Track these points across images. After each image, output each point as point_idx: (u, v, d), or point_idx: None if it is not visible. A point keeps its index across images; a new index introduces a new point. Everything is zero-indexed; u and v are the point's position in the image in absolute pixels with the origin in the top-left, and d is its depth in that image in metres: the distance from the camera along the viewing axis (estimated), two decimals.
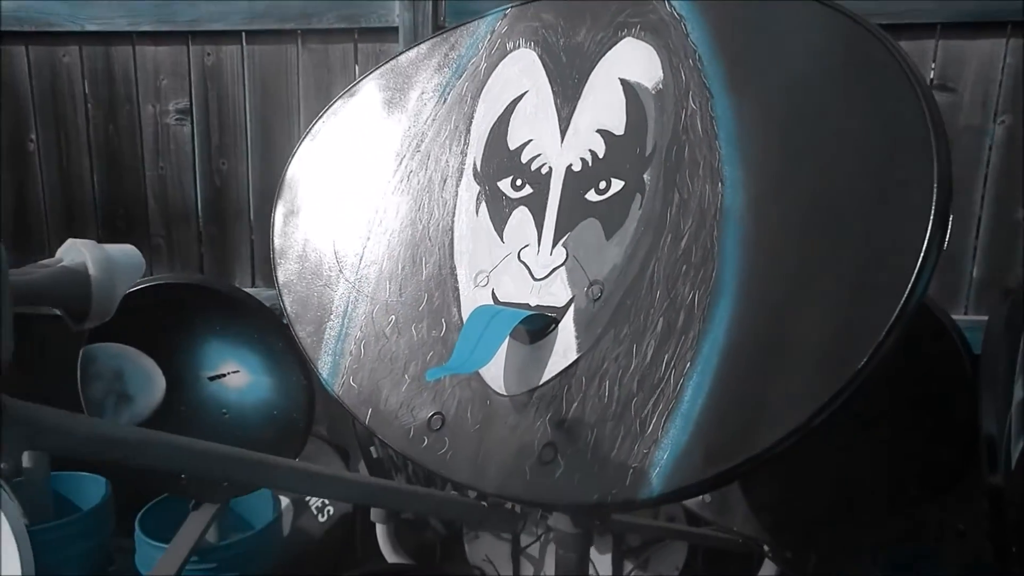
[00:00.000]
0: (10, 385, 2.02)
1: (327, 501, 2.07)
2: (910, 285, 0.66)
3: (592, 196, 0.93)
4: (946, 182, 0.67)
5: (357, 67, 1.90)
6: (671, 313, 0.82)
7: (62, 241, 2.15)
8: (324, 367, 1.05)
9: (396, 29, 1.83)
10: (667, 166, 0.87)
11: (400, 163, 1.09)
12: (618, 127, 0.93)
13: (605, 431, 0.82)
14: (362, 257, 1.07)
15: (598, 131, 0.94)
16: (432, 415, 0.96)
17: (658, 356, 0.81)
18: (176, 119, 2.01)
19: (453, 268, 1.01)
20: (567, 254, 0.93)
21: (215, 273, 2.05)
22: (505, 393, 0.92)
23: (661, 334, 0.82)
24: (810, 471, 1.41)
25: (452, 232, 1.03)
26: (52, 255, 2.11)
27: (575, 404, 0.86)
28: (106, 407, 1.65)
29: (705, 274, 0.80)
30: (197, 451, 0.95)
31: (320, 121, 1.16)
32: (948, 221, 0.67)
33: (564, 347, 0.90)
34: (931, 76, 1.61)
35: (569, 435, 0.85)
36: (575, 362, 0.88)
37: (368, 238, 1.08)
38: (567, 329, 0.90)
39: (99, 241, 2.08)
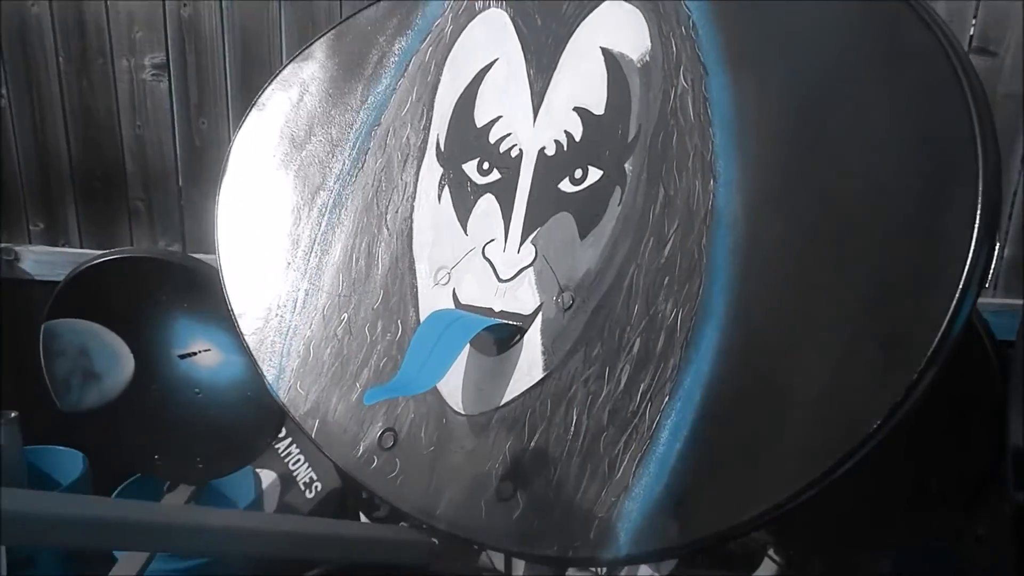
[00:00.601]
0: None
1: (315, 476, 1.99)
2: (945, 323, 0.52)
3: (566, 186, 0.79)
4: (992, 199, 0.53)
5: None
6: (650, 333, 0.68)
7: (39, 205, 2.03)
8: (270, 369, 0.93)
9: None
10: (652, 155, 0.73)
11: (357, 139, 0.95)
12: (597, 106, 0.78)
13: (570, 468, 0.70)
14: (313, 245, 0.94)
15: (575, 109, 0.80)
16: (383, 431, 0.84)
17: (633, 384, 0.68)
18: (152, 75, 1.87)
19: (412, 262, 0.88)
20: (536, 253, 0.79)
21: (196, 239, 1.93)
22: (463, 412, 0.80)
23: (637, 358, 0.69)
24: None
25: (412, 221, 0.89)
26: (29, 220, 1.99)
27: (539, 432, 0.73)
28: (72, 385, 1.55)
29: (690, 290, 0.66)
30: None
31: (269, 89, 1.02)
32: (994, 247, 0.53)
33: (529, 363, 0.77)
34: (970, 36, 1.42)
35: (531, 469, 0.73)
36: (541, 381, 0.75)
37: (320, 225, 0.95)
38: (533, 342, 0.77)
39: (76, 205, 1.96)
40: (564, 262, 0.77)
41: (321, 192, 0.96)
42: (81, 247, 2.00)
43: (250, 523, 0.64)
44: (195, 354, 1.55)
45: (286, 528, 0.68)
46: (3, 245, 1.99)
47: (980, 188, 0.53)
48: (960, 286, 0.51)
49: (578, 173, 0.78)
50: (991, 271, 0.52)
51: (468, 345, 0.81)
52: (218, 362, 1.55)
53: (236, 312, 0.96)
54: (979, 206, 0.52)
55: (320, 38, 1.00)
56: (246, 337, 0.95)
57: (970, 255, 0.51)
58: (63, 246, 2.00)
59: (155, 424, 1.55)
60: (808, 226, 0.61)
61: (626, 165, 0.74)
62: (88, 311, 1.51)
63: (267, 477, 1.88)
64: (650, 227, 0.71)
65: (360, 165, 0.94)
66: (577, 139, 0.79)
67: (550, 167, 0.80)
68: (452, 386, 0.81)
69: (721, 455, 0.61)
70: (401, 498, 0.80)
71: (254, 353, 0.94)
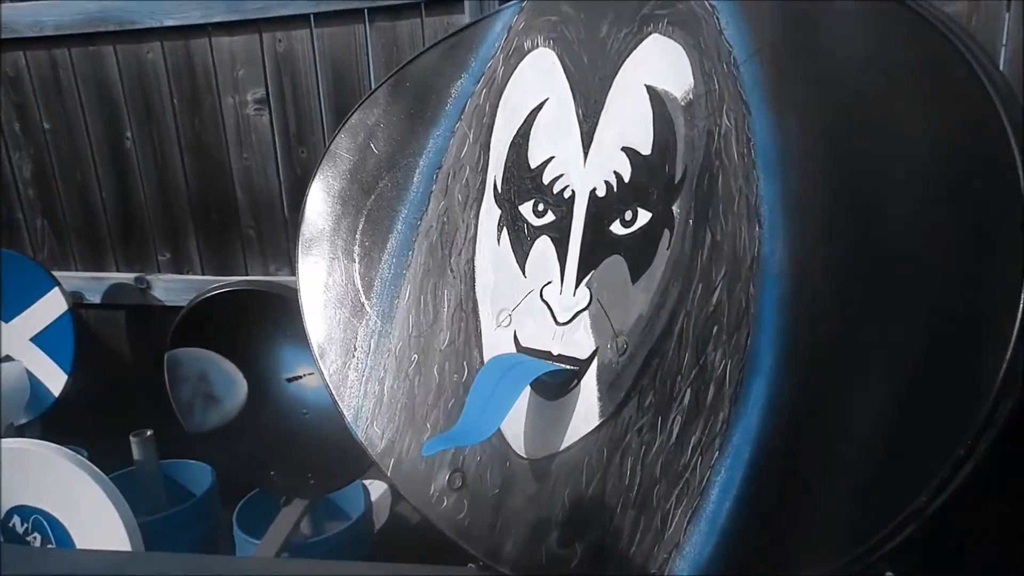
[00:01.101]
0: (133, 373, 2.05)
1: None
2: (994, 393, 0.48)
3: (617, 228, 0.77)
4: None
5: (424, 43, 1.77)
6: (700, 384, 0.67)
7: (164, 236, 2.17)
8: (348, 409, 0.97)
9: (462, 1, 1.69)
10: (699, 197, 0.70)
11: (420, 183, 0.96)
12: (644, 145, 0.76)
13: (625, 521, 0.69)
14: (385, 288, 0.97)
15: (623, 149, 0.78)
16: (452, 472, 0.85)
17: (684, 437, 0.67)
18: (255, 109, 1.97)
19: (475, 304, 0.89)
20: (591, 297, 0.79)
21: None
22: (525, 456, 0.80)
23: (688, 409, 0.67)
24: None
25: (474, 263, 0.90)
26: (157, 250, 2.14)
27: (596, 480, 0.73)
28: (195, 408, 1.67)
29: (738, 341, 0.64)
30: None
31: (339, 136, 1.05)
32: None
33: (586, 408, 0.76)
34: None
35: (588, 518, 0.72)
36: (597, 428, 0.75)
37: (390, 268, 0.97)
38: (590, 387, 0.77)
39: (196, 235, 2.10)
40: (618, 306, 0.76)
41: (390, 236, 0.98)
42: (203, 274, 2.13)
43: (312, 571, 0.67)
44: (301, 377, 1.64)
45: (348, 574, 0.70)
46: (137, 275, 2.16)
47: None
48: (1010, 349, 0.47)
49: (628, 215, 0.76)
50: None
51: (529, 388, 0.81)
52: (322, 384, 1.63)
53: (317, 353, 1.01)
54: None
55: (382, 84, 1.02)
56: (327, 377, 0.99)
57: (1019, 316, 0.46)
58: (187, 273, 2.15)
59: (269, 442, 1.65)
60: (858, 278, 0.58)
61: (674, 207, 0.72)
62: (204, 340, 1.62)
63: (377, 489, 1.95)
64: (698, 273, 0.69)
65: (424, 208, 0.96)
66: (626, 180, 0.77)
67: (601, 208, 0.79)
68: (515, 429, 0.82)
69: (771, 518, 0.59)
70: (469, 539, 0.81)
71: (334, 392, 0.98)
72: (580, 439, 0.76)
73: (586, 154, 0.81)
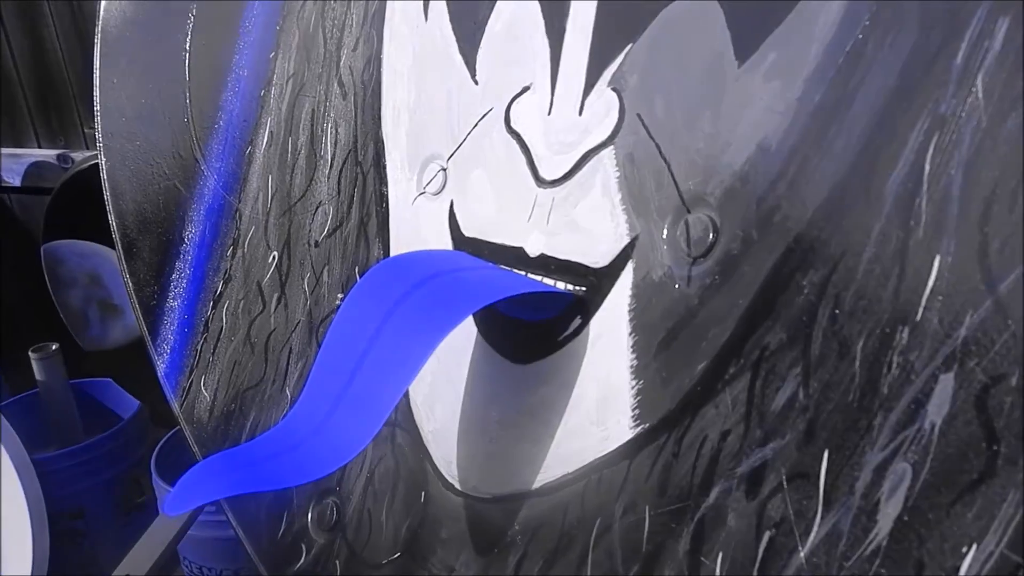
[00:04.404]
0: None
1: None
2: None
3: None
4: None
5: None
6: (962, 357, 0.19)
7: (90, 103, 1.70)
8: (161, 347, 0.51)
9: None
10: None
11: None
12: None
13: None
14: (231, 126, 0.49)
15: None
16: (321, 496, 0.40)
17: (903, 543, 0.19)
18: None
19: (379, 149, 0.41)
20: (621, 109, 0.30)
21: None
22: (459, 487, 0.34)
23: (881, 424, 0.19)
24: None
25: (379, 63, 0.42)
26: (83, 121, 1.67)
27: None
28: (90, 318, 1.23)
29: None
30: None
31: None
32: None
33: (600, 394, 0.29)
34: None
35: None
36: (627, 448, 0.28)
37: (237, 89, 0.49)
38: (615, 339, 0.29)
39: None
40: (692, 129, 0.27)
41: (240, 24, 0.50)
42: None
43: None
44: None
45: None
46: (60, 152, 1.69)
47: None
48: None
49: None
50: None
51: (476, 334, 0.35)
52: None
53: (121, 244, 0.54)
54: None
55: None
56: (130, 287, 0.53)
57: None
58: None
59: None
60: None
61: None
62: (91, 230, 1.17)
63: None
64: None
65: None
66: None
67: None
68: (442, 422, 0.35)
69: None
70: None
71: (141, 317, 0.52)
72: (584, 467, 0.29)
73: None
